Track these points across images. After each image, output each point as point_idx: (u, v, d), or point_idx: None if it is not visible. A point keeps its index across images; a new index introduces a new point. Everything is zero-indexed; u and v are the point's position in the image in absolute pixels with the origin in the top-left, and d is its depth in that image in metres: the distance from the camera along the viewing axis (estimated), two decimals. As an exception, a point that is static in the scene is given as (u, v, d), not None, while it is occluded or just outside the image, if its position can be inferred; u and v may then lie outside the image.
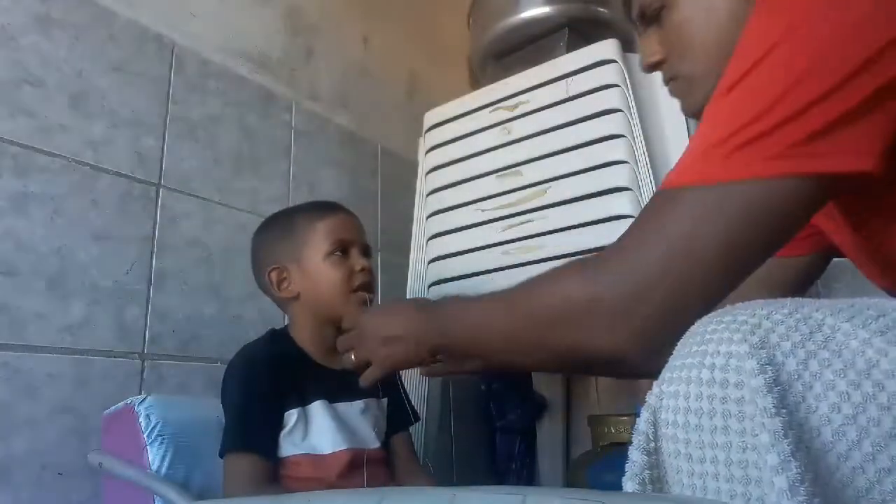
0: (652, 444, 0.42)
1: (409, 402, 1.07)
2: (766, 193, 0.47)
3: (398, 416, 1.02)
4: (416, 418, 1.07)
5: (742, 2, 0.60)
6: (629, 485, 0.42)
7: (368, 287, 0.97)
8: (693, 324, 0.45)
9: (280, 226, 1.00)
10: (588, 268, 0.55)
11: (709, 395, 0.40)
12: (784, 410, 0.38)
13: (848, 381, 0.38)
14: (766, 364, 0.39)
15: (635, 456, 0.42)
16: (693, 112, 0.67)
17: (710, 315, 0.44)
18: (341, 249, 0.96)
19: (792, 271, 0.82)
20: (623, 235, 0.54)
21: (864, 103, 0.46)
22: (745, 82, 0.50)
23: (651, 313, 0.50)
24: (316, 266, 0.95)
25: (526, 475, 1.69)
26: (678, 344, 0.44)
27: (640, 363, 0.52)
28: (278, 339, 0.95)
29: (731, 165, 0.48)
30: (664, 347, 0.46)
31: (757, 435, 0.37)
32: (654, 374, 0.45)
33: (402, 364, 0.75)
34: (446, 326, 0.67)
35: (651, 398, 0.43)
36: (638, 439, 0.43)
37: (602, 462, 1.38)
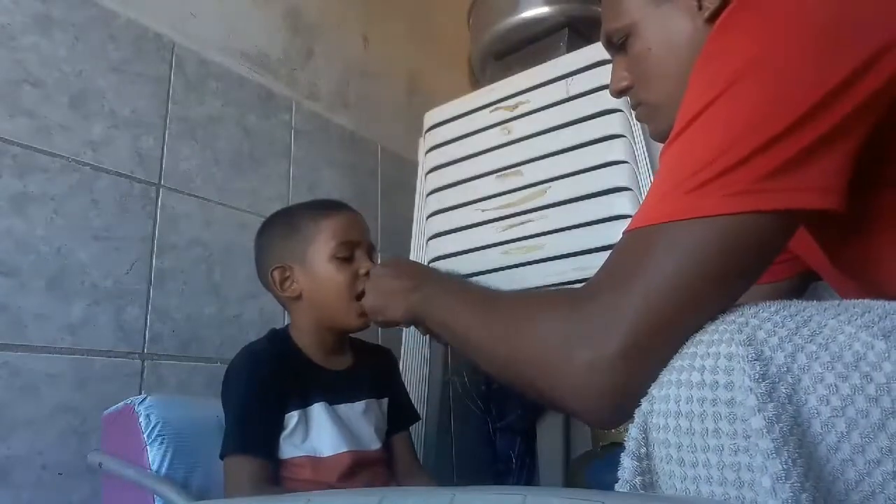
0: (643, 450, 0.42)
1: (409, 401, 1.07)
2: (735, 228, 0.46)
3: (398, 415, 1.02)
4: (417, 418, 1.07)
5: (701, 30, 0.61)
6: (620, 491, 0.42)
7: None
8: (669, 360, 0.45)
9: (285, 224, 0.98)
10: (570, 313, 0.51)
11: (699, 398, 0.40)
12: (771, 405, 0.38)
13: (836, 373, 0.39)
14: (754, 360, 0.39)
15: (626, 462, 0.43)
16: (659, 137, 0.68)
17: None
18: (346, 250, 0.94)
19: (775, 296, 0.82)
20: (597, 278, 0.52)
21: (826, 138, 0.45)
22: (703, 119, 0.49)
23: (626, 370, 0.47)
24: (320, 267, 0.93)
25: (526, 475, 1.69)
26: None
27: (606, 420, 0.50)
28: (279, 340, 0.95)
29: (697, 203, 0.47)
30: (640, 394, 0.45)
31: (748, 436, 0.38)
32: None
33: (382, 320, 0.81)
34: (427, 307, 0.71)
35: (643, 403, 0.43)
36: (630, 445, 0.43)
37: (602, 462, 1.38)
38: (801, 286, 0.83)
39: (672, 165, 0.50)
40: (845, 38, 0.46)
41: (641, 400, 0.44)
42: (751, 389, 0.38)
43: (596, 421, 0.50)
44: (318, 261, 0.93)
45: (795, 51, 0.47)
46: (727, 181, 0.46)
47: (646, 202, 0.51)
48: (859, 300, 0.43)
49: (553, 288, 1.25)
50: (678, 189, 0.48)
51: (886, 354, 0.38)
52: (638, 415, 0.43)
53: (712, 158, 0.47)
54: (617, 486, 0.42)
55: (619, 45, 0.70)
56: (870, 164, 0.49)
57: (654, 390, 0.43)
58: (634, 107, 0.72)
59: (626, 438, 0.44)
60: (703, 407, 0.39)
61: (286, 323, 1.02)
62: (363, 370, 0.99)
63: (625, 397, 0.46)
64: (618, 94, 0.73)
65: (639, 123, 1.22)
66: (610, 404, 0.47)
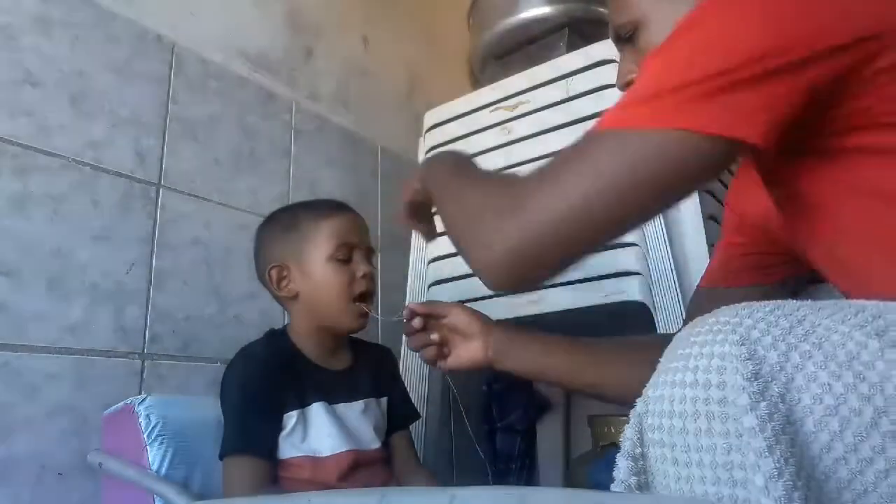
0: (638, 450, 0.43)
1: (409, 399, 1.07)
2: (656, 144, 0.50)
3: (398, 414, 1.02)
4: (417, 416, 1.07)
5: None
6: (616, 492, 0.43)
7: (369, 296, 0.96)
8: (563, 263, 0.55)
9: (284, 222, 0.98)
10: (501, 189, 0.60)
11: (692, 398, 0.40)
12: (764, 403, 0.38)
13: (829, 372, 0.39)
14: (747, 359, 0.39)
15: (622, 462, 0.43)
16: None
17: (696, 319, 0.45)
18: (344, 252, 0.94)
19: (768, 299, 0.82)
20: (547, 165, 0.58)
21: (758, 78, 0.48)
22: (664, 47, 0.54)
23: (529, 251, 0.54)
24: (317, 267, 0.93)
25: (526, 475, 1.69)
26: (666, 349, 0.45)
27: (495, 281, 0.59)
28: (277, 340, 0.95)
29: (633, 115, 0.52)
30: (533, 279, 0.57)
31: (741, 435, 0.38)
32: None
33: (407, 190, 0.83)
34: (428, 173, 0.77)
35: (638, 404, 0.44)
36: (625, 445, 0.43)
37: (602, 462, 1.38)
38: (794, 290, 0.84)
39: (639, 80, 0.55)
40: (828, 17, 0.49)
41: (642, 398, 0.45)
42: (743, 388, 0.38)
43: (494, 280, 0.59)
44: (315, 261, 0.93)
45: (762, 9, 0.51)
46: (661, 101, 0.50)
47: (609, 107, 0.57)
48: (853, 300, 0.43)
49: (553, 287, 1.25)
50: (626, 101, 0.54)
51: (880, 353, 0.38)
52: (633, 415, 0.43)
53: (658, 81, 0.52)
54: (612, 487, 0.43)
55: (627, 39, 0.72)
56: (840, 136, 0.52)
57: (649, 391, 0.43)
58: None
59: (621, 439, 0.44)
60: (696, 406, 0.40)
61: (285, 323, 1.02)
62: (362, 369, 0.99)
63: (519, 268, 0.55)
64: (625, 86, 0.74)
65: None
66: (505, 270, 0.56)
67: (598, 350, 0.85)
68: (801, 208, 0.60)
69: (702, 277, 0.87)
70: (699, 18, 0.53)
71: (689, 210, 1.17)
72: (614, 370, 0.82)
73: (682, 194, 0.55)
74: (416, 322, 0.86)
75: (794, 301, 0.43)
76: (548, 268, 0.57)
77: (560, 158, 0.57)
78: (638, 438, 0.43)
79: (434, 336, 0.85)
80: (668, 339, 0.85)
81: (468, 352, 0.86)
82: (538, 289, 1.26)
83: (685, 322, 0.90)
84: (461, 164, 0.74)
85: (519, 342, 0.86)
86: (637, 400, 0.44)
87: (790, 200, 0.63)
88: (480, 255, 0.58)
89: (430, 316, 0.87)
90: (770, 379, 0.39)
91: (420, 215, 0.85)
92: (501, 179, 0.66)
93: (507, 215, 0.55)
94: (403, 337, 1.45)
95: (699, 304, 0.85)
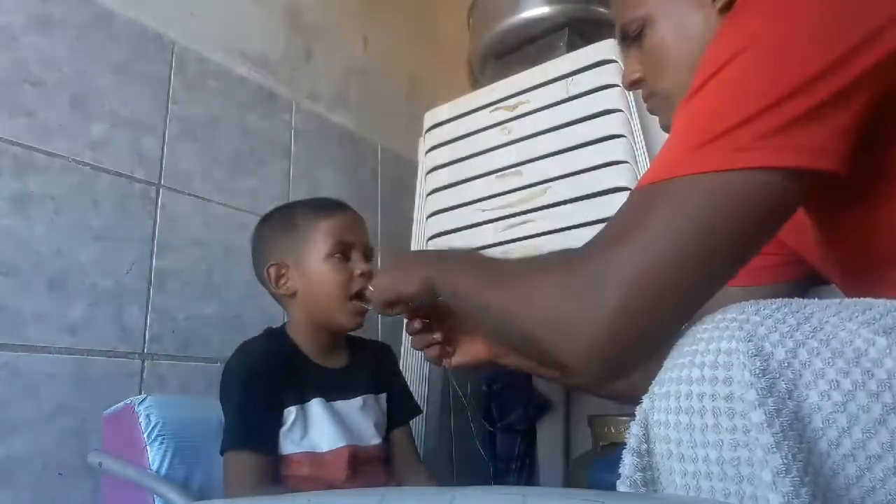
0: (644, 447, 0.43)
1: (409, 394, 1.07)
2: (737, 185, 0.46)
3: (398, 409, 1.02)
4: (418, 410, 1.07)
5: (713, 22, 0.62)
6: (622, 488, 0.42)
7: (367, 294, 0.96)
8: (667, 331, 0.45)
9: (283, 221, 0.98)
10: (565, 269, 0.53)
11: (699, 394, 0.40)
12: (771, 399, 0.38)
13: (837, 368, 0.39)
14: (755, 355, 0.39)
15: (627, 458, 0.43)
16: (670, 128, 0.69)
17: (703, 317, 0.44)
18: (342, 251, 0.94)
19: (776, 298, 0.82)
20: (596, 236, 0.53)
21: (828, 103, 0.46)
22: (712, 84, 0.50)
23: (625, 329, 0.47)
24: (315, 266, 0.94)
25: (526, 475, 1.69)
26: (672, 347, 0.45)
27: (598, 373, 0.51)
28: (275, 338, 0.95)
29: (701, 159, 0.47)
30: (635, 358, 0.46)
31: (748, 431, 0.38)
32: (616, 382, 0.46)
33: (391, 297, 0.79)
34: (440, 274, 0.71)
35: (644, 401, 0.44)
36: (631, 441, 0.43)
37: (602, 462, 1.38)
38: (802, 290, 0.84)
39: (679, 128, 0.52)
40: (850, 12, 0.47)
41: (637, 360, 0.45)
42: (751, 384, 0.38)
43: (590, 373, 0.51)
44: (314, 260, 0.94)
45: (800, 23, 0.48)
46: (731, 139, 0.47)
47: (652, 164, 0.52)
48: (861, 299, 0.43)
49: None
50: (682, 147, 0.49)
51: (888, 351, 0.38)
52: (639, 412, 0.43)
53: (718, 119, 0.48)
54: (618, 483, 0.42)
55: (633, 38, 0.71)
56: (876, 126, 0.49)
57: (655, 387, 0.43)
58: (646, 98, 0.74)
59: (626, 436, 0.44)
60: (703, 402, 0.39)
61: (284, 322, 1.02)
62: (360, 367, 0.99)
63: (618, 350, 0.47)
64: (630, 85, 0.74)
65: (639, 123, 1.23)
66: (601, 357, 0.48)
67: None
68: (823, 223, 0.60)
69: None
70: (742, 42, 0.50)
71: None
72: None
73: (769, 234, 0.51)
74: (417, 323, 0.85)
75: (801, 299, 0.43)
76: (647, 341, 0.49)
77: (621, 217, 0.51)
78: (644, 434, 0.42)
79: (437, 335, 0.85)
80: None
81: (473, 349, 0.87)
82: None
83: None
84: (476, 256, 0.71)
85: None
86: (643, 396, 0.43)
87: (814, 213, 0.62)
88: (568, 349, 0.51)
89: (434, 314, 0.86)
90: (777, 375, 0.39)
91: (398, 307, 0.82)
92: (549, 258, 0.59)
93: (584, 295, 0.48)
94: (403, 336, 1.45)
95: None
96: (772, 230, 0.50)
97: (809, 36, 0.47)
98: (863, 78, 0.46)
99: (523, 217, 1.32)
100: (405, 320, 0.87)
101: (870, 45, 0.46)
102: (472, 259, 0.71)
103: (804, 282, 0.81)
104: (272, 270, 0.95)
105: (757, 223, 0.48)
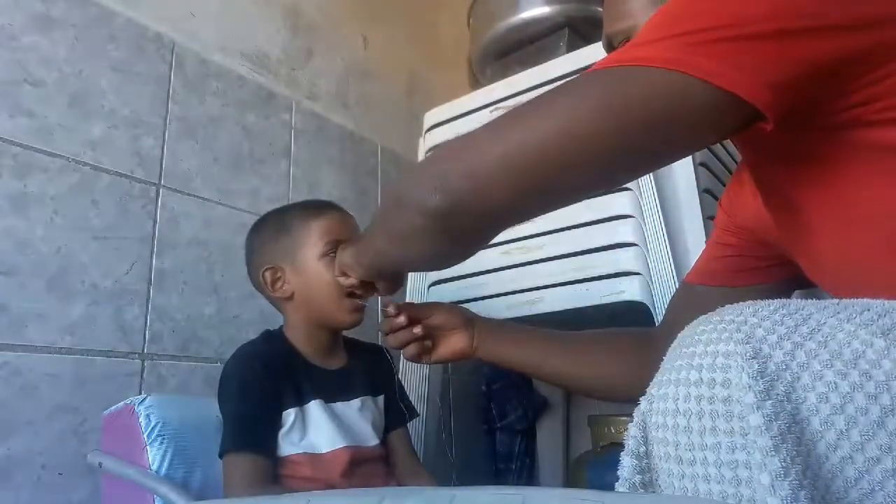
0: (642, 449, 0.43)
1: (406, 398, 1.07)
2: (659, 83, 0.47)
3: (395, 412, 1.02)
4: (415, 414, 1.07)
5: None
6: (620, 490, 0.42)
7: None
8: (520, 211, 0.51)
9: (274, 225, 0.99)
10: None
11: (696, 396, 0.40)
12: (769, 402, 0.38)
13: (835, 370, 0.38)
14: (752, 357, 0.39)
15: (626, 461, 0.43)
16: None
17: (700, 318, 0.44)
18: (336, 249, 0.95)
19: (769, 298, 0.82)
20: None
21: (776, 34, 0.45)
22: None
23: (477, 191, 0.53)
24: (310, 266, 0.94)
25: (526, 475, 1.69)
26: (669, 348, 0.44)
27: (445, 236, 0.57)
28: (273, 340, 0.96)
29: (638, 54, 0.49)
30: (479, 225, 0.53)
31: (746, 434, 0.37)
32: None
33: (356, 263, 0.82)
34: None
35: (642, 402, 0.44)
36: (629, 444, 0.43)
37: (602, 462, 1.38)
38: (786, 295, 0.83)
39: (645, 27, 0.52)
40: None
41: (643, 398, 0.44)
42: (749, 387, 0.38)
43: (432, 229, 0.57)
44: (308, 260, 0.94)
45: None
46: (672, 42, 0.47)
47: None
48: (858, 300, 0.43)
49: (553, 287, 1.25)
50: (633, 43, 0.51)
51: (886, 352, 0.38)
52: (637, 413, 0.43)
53: (668, 24, 0.49)
54: (617, 485, 0.42)
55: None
56: (850, 108, 0.49)
57: (653, 389, 0.43)
58: None
59: (625, 437, 0.44)
60: (701, 405, 0.39)
61: (281, 325, 1.02)
62: (358, 368, 1.00)
63: (464, 210, 0.54)
64: None
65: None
66: (445, 213, 0.55)
67: (568, 341, 0.88)
68: (791, 214, 0.60)
69: (689, 272, 0.87)
70: None
71: (690, 210, 1.17)
72: (570, 359, 0.85)
73: (672, 146, 0.52)
74: (401, 319, 0.85)
75: (798, 300, 0.43)
76: (495, 205, 0.54)
77: (547, 93, 0.54)
78: (642, 437, 0.42)
79: (416, 329, 0.85)
80: (644, 332, 0.85)
81: (453, 343, 0.88)
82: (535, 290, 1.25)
83: (665, 314, 0.91)
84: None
85: (499, 332, 0.89)
86: (641, 398, 0.43)
87: (780, 208, 0.62)
88: (420, 200, 0.57)
89: (412, 320, 0.86)
90: (775, 377, 0.38)
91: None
92: None
93: (461, 146, 0.55)
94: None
95: (685, 299, 0.85)
96: (674, 142, 0.51)
97: None
98: (833, 30, 0.46)
99: (523, 217, 1.32)
100: (388, 316, 0.87)
101: (850, 32, 0.46)
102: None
103: (790, 284, 0.81)
104: (268, 274, 0.96)
105: (659, 123, 0.48)
